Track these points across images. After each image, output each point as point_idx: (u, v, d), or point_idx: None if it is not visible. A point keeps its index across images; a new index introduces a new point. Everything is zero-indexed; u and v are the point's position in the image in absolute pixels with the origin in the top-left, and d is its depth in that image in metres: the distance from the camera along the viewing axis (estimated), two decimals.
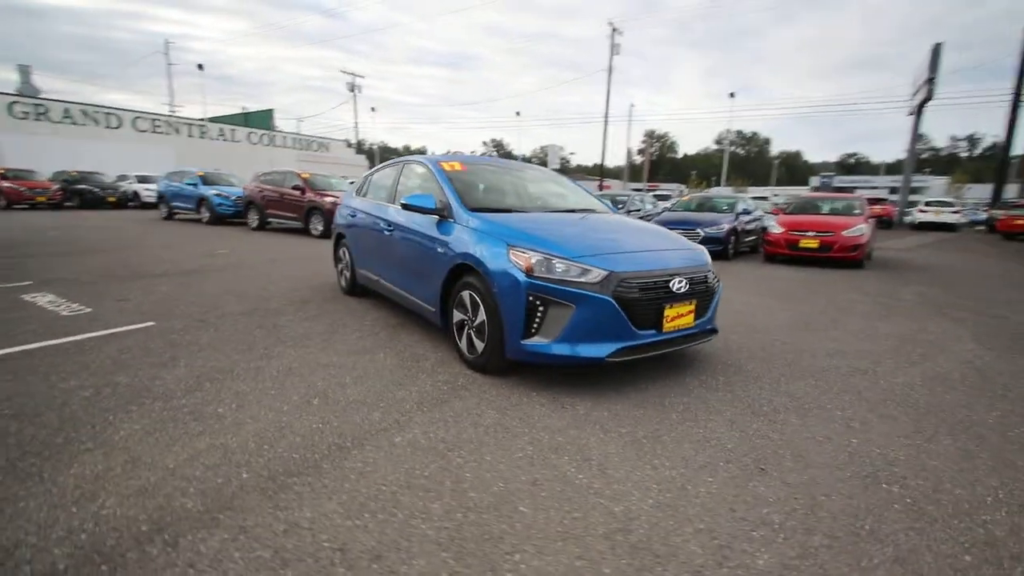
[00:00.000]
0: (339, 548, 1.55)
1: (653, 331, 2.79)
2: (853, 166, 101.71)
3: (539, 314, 2.70)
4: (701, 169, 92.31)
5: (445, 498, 1.82)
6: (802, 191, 43.76)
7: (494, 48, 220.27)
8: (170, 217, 14.76)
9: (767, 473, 2.05)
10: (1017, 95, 23.78)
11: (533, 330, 2.73)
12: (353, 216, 4.95)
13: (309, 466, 2.02)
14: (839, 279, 7.48)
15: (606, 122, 35.17)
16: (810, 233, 9.15)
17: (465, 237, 3.18)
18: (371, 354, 3.42)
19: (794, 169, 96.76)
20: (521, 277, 2.71)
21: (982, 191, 46.25)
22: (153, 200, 17.36)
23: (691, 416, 2.57)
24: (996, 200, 25.02)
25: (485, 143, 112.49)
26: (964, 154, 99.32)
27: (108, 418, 2.38)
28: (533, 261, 2.74)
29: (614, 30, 34.50)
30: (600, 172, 39.80)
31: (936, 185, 54.39)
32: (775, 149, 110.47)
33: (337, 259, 5.47)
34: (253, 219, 12.66)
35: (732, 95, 46.50)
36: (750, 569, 1.51)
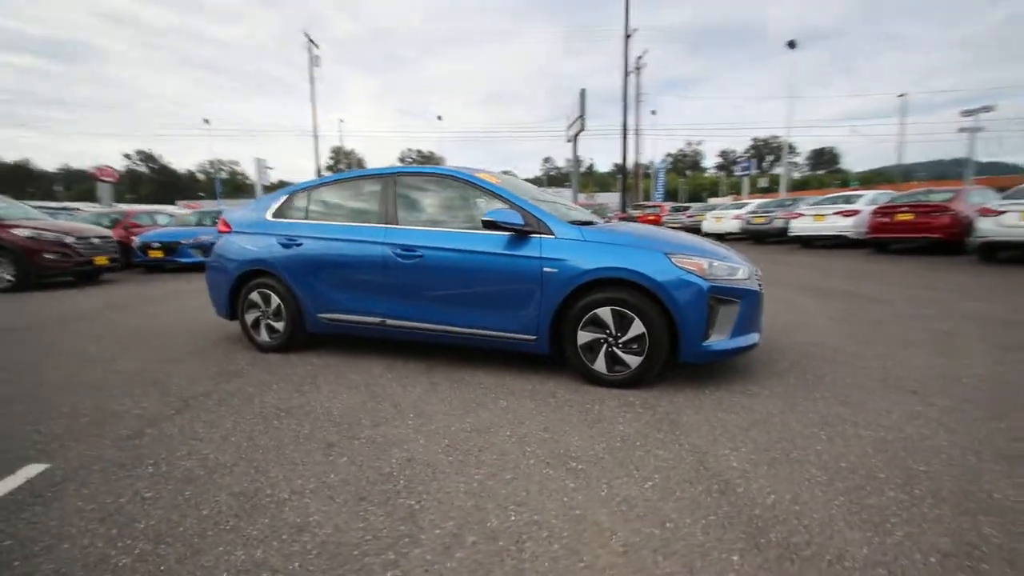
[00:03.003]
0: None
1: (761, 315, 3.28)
2: None
3: (713, 315, 2.84)
4: None
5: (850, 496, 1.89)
6: None
7: (120, 40, 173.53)
8: None
9: (942, 407, 2.82)
10: (625, 129, 33.92)
11: (710, 331, 2.84)
12: (293, 245, 3.70)
13: (749, 532, 1.72)
14: None
15: (316, 137, 33.28)
16: None
17: (588, 251, 2.97)
18: (489, 407, 2.79)
19: None
20: (703, 283, 2.78)
21: (605, 198, 63.39)
22: None
23: (804, 382, 3.08)
24: (624, 204, 35.17)
25: (128, 155, 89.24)
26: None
27: None
28: (704, 266, 2.85)
29: (311, 41, 32.84)
30: None
31: (568, 194, 71.95)
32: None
33: (243, 307, 3.93)
34: None
35: (440, 118, 50.60)
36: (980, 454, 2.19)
